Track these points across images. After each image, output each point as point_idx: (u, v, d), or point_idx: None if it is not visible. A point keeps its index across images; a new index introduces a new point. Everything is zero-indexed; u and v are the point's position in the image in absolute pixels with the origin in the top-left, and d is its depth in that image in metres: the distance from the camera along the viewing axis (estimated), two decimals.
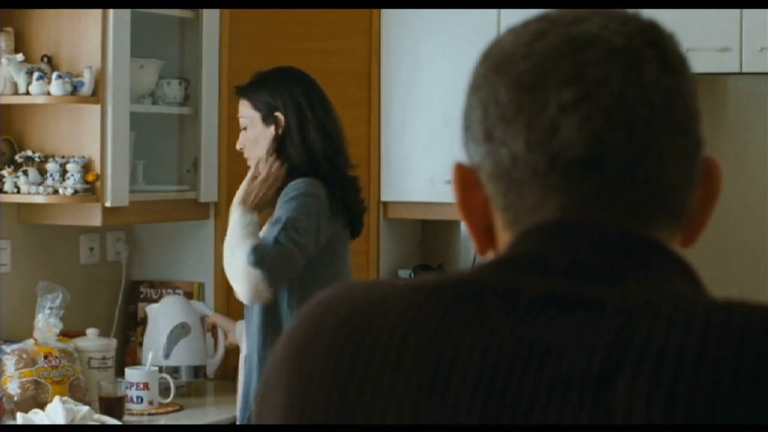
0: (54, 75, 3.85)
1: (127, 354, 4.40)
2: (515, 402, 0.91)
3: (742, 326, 0.91)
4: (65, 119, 3.96)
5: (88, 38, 3.92)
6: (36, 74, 3.86)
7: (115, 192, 3.92)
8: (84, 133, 3.93)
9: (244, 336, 3.57)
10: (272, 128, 3.54)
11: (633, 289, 0.95)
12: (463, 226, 5.08)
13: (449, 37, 4.47)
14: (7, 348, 3.81)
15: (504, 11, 4.31)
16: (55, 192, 3.87)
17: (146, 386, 3.93)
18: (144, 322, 4.40)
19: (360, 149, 4.53)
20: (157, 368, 3.98)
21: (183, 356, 4.04)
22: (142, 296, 4.46)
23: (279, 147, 3.53)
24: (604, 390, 0.90)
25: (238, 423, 3.66)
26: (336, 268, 3.49)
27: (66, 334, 3.94)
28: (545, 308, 0.94)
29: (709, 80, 4.34)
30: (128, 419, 3.82)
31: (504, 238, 1.03)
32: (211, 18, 4.31)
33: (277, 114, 3.54)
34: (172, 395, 3.99)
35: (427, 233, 4.94)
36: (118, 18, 3.92)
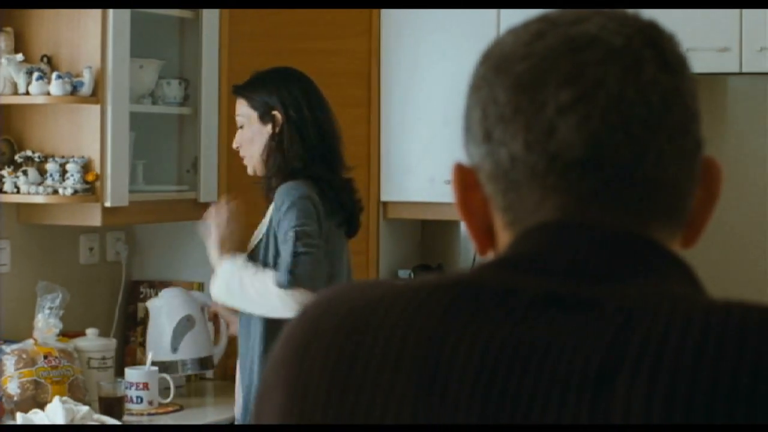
0: (54, 75, 3.85)
1: (127, 354, 4.40)
2: (514, 402, 0.91)
3: (741, 326, 0.91)
4: (65, 119, 3.96)
5: (87, 38, 3.92)
6: (36, 74, 3.86)
7: (114, 192, 3.92)
8: (84, 133, 3.93)
9: (240, 337, 3.58)
10: (269, 127, 3.55)
11: (632, 289, 0.95)
12: (463, 226, 5.08)
13: (449, 37, 4.47)
14: (7, 348, 3.81)
15: (504, 11, 4.31)
16: (55, 192, 3.87)
17: (146, 386, 3.93)
18: (144, 322, 4.39)
19: (360, 149, 4.53)
20: (156, 368, 3.98)
21: (190, 349, 4.01)
22: (141, 296, 4.46)
23: (275, 145, 3.53)
24: (603, 390, 0.90)
25: (237, 423, 3.66)
26: (333, 267, 3.49)
27: (66, 334, 3.94)
28: (544, 308, 0.94)
29: (709, 80, 4.34)
30: (128, 419, 3.82)
31: (504, 238, 1.03)
32: (210, 18, 4.31)
33: (274, 113, 3.54)
34: (171, 395, 3.99)
35: (427, 233, 4.94)
36: (118, 18, 3.92)
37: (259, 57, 4.11)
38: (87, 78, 3.86)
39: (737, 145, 4.48)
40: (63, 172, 3.89)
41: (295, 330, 1.04)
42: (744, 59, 4.16)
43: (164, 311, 4.03)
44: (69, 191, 3.86)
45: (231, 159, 4.12)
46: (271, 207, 3.50)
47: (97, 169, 3.90)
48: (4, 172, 3.93)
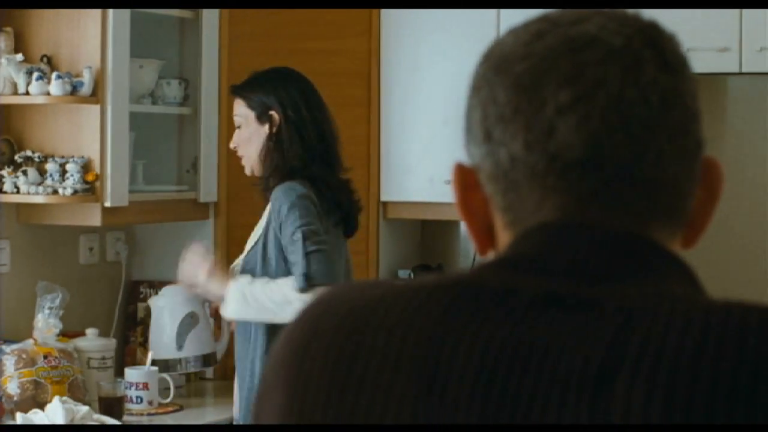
0: (53, 75, 3.85)
1: (127, 354, 4.40)
2: (514, 402, 0.91)
3: (741, 326, 0.91)
4: (65, 119, 3.96)
5: (87, 38, 3.92)
6: (36, 74, 3.86)
7: (114, 192, 3.92)
8: (83, 133, 3.93)
9: (239, 337, 3.57)
10: (266, 127, 3.55)
11: (632, 289, 0.95)
12: (463, 226, 5.07)
13: (449, 37, 4.47)
14: (7, 348, 3.81)
15: (504, 11, 4.31)
16: (55, 192, 3.87)
17: (146, 386, 3.93)
18: (144, 321, 4.39)
19: (360, 149, 4.53)
20: (156, 368, 3.97)
21: (194, 346, 3.99)
22: (141, 296, 4.46)
23: (273, 146, 3.53)
24: (603, 390, 0.90)
25: (235, 423, 3.66)
26: None
27: (65, 334, 3.94)
28: (544, 308, 0.94)
29: (709, 80, 4.34)
30: (128, 419, 3.82)
31: (504, 238, 1.03)
32: (210, 18, 4.31)
33: (272, 113, 3.55)
34: (171, 395, 3.98)
35: (427, 233, 4.94)
36: (118, 18, 3.92)
37: (258, 57, 4.11)
38: (87, 78, 3.86)
39: (737, 145, 4.48)
40: (63, 172, 3.89)
41: (295, 330, 1.04)
42: (744, 59, 4.16)
43: (167, 309, 3.99)
44: (69, 191, 3.86)
45: (231, 159, 4.12)
46: (268, 208, 3.50)
47: (97, 169, 3.90)
48: (4, 172, 3.93)
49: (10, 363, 3.76)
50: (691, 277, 0.99)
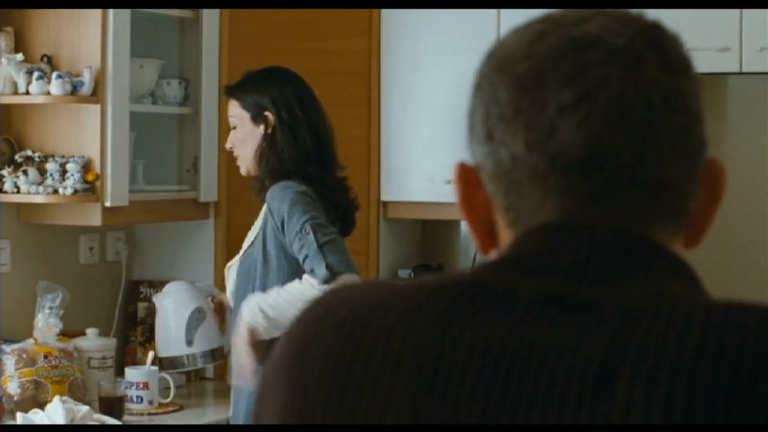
0: (54, 75, 3.85)
1: (127, 354, 4.40)
2: (515, 402, 0.91)
3: (741, 326, 0.91)
4: (65, 119, 3.96)
5: (88, 38, 3.92)
6: (36, 74, 3.86)
7: (114, 192, 3.92)
8: (84, 133, 3.93)
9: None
10: (261, 127, 3.55)
11: (632, 289, 0.95)
12: (464, 226, 5.08)
13: (449, 37, 4.47)
14: (7, 348, 3.81)
15: (504, 11, 4.31)
16: (55, 192, 3.87)
17: (146, 386, 3.93)
18: (144, 321, 4.40)
19: (360, 149, 4.53)
20: (156, 368, 3.97)
21: (204, 341, 3.96)
22: (142, 296, 4.46)
23: (268, 146, 3.53)
24: (603, 390, 0.90)
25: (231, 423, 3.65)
26: None
27: (66, 333, 3.93)
28: (545, 309, 0.94)
29: (709, 80, 4.34)
30: (128, 419, 3.82)
31: (506, 237, 1.03)
32: (211, 18, 4.31)
33: (267, 113, 3.54)
34: (172, 395, 3.98)
35: (427, 233, 4.94)
36: (118, 18, 3.92)
37: (259, 57, 4.11)
38: (87, 78, 3.86)
39: (737, 145, 4.48)
40: (63, 172, 3.89)
41: (296, 330, 1.04)
42: (744, 59, 4.16)
43: (173, 305, 3.95)
44: (69, 191, 3.86)
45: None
46: (264, 207, 3.49)
47: (97, 169, 3.90)
48: (4, 172, 3.93)
49: (10, 363, 3.76)
50: (692, 277, 0.99)
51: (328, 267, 3.29)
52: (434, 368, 0.94)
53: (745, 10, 4.13)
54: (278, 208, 3.41)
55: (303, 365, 1.00)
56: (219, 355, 3.97)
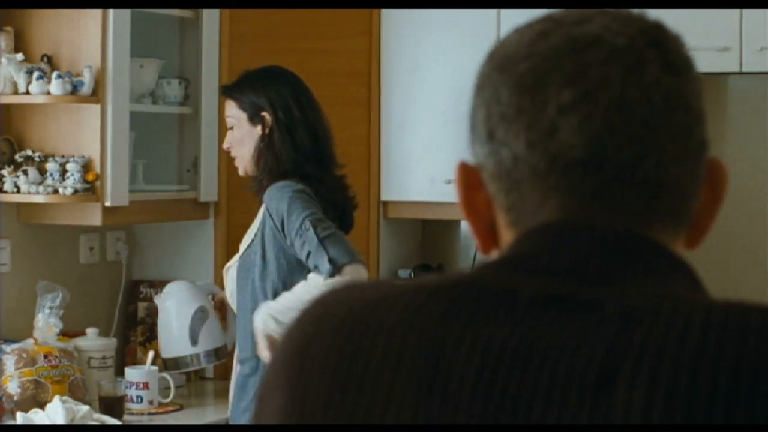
0: (54, 75, 3.85)
1: (127, 353, 4.40)
2: (515, 402, 0.91)
3: (741, 326, 0.91)
4: (65, 119, 3.96)
5: (88, 38, 3.92)
6: (36, 74, 3.86)
7: (115, 192, 3.92)
8: (84, 133, 3.93)
9: (239, 338, 3.57)
10: (259, 128, 3.55)
11: (633, 289, 0.95)
12: (464, 226, 5.08)
13: (449, 37, 4.47)
14: (7, 348, 3.81)
15: (504, 11, 4.31)
16: (55, 192, 3.87)
17: (146, 386, 3.93)
18: (144, 321, 4.40)
19: (360, 149, 4.53)
20: (156, 368, 3.97)
21: (208, 340, 3.95)
22: (142, 296, 4.46)
23: (265, 147, 3.53)
24: (604, 390, 0.90)
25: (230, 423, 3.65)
26: None
27: (66, 333, 3.94)
28: (545, 309, 0.94)
29: (709, 80, 4.34)
30: (128, 419, 3.82)
31: (507, 237, 1.03)
32: (211, 18, 4.31)
33: (264, 114, 3.54)
34: (172, 395, 3.98)
35: (427, 233, 4.94)
36: (118, 18, 3.92)
37: (259, 57, 4.11)
38: (87, 77, 3.86)
39: (737, 145, 4.48)
40: (63, 172, 3.89)
41: (296, 331, 1.04)
42: (744, 59, 4.16)
43: (175, 306, 3.95)
44: (69, 191, 3.86)
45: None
46: (263, 208, 3.49)
47: (98, 169, 3.90)
48: (5, 172, 3.93)
49: (10, 362, 3.76)
50: (693, 277, 0.99)
51: (331, 261, 3.29)
52: (434, 368, 0.94)
53: (745, 10, 4.13)
54: (277, 208, 3.40)
55: (303, 365, 1.00)
56: (223, 354, 3.96)
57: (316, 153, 3.54)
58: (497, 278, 0.98)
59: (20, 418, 3.58)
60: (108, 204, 3.91)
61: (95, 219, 3.95)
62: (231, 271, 3.60)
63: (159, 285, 4.39)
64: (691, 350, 0.90)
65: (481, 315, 0.95)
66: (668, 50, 1.01)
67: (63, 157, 3.92)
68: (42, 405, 3.66)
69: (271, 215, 3.43)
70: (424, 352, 0.95)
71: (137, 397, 3.92)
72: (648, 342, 0.91)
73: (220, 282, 4.22)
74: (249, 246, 3.52)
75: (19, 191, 3.91)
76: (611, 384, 0.90)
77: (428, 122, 4.50)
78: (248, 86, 3.59)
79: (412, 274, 4.67)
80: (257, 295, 3.49)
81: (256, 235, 3.50)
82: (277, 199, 3.41)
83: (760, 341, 0.90)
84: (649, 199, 0.99)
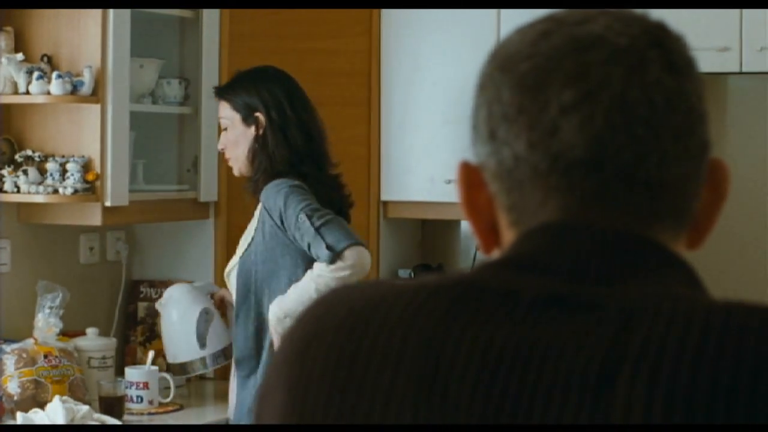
0: (54, 74, 3.85)
1: (127, 353, 4.40)
2: (515, 402, 0.91)
3: (742, 327, 0.91)
4: (65, 119, 3.96)
5: (88, 38, 3.92)
6: (36, 74, 3.86)
7: (114, 191, 3.92)
8: (84, 133, 3.93)
9: (239, 338, 3.56)
10: (252, 129, 3.55)
11: (633, 290, 0.95)
12: (464, 226, 5.08)
13: (449, 37, 4.47)
14: (7, 347, 3.81)
15: (504, 11, 4.31)
16: (55, 191, 3.87)
17: (146, 386, 3.93)
18: (144, 321, 4.40)
19: (360, 149, 4.53)
20: (156, 368, 3.97)
21: (215, 341, 3.93)
22: (142, 296, 4.46)
23: (259, 147, 3.53)
24: (604, 390, 0.90)
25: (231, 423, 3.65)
26: None
27: (66, 333, 3.93)
28: (546, 309, 0.94)
29: (709, 80, 4.34)
30: (128, 419, 3.82)
31: (508, 237, 1.03)
32: (211, 18, 4.31)
33: (257, 114, 3.54)
34: (172, 395, 3.98)
35: (427, 233, 4.94)
36: (118, 18, 3.92)
37: (259, 57, 4.11)
38: (87, 77, 3.86)
39: (737, 145, 4.48)
40: (63, 172, 3.89)
41: (296, 330, 1.04)
42: (744, 59, 4.16)
43: (179, 311, 3.93)
44: (69, 191, 3.86)
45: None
46: (259, 208, 3.49)
47: (98, 169, 3.90)
48: (5, 172, 3.93)
49: (10, 362, 3.76)
50: (693, 277, 0.99)
51: (328, 248, 3.29)
52: (435, 368, 0.94)
53: (745, 10, 4.13)
54: (274, 205, 3.41)
55: (304, 365, 1.00)
56: (230, 353, 3.95)
57: (310, 152, 3.53)
58: (498, 278, 0.98)
59: (20, 418, 3.58)
60: (108, 204, 3.91)
61: (95, 219, 3.95)
62: (232, 275, 3.59)
63: (159, 285, 4.39)
64: (691, 350, 0.90)
65: (482, 315, 0.95)
66: (670, 50, 1.01)
67: (63, 157, 3.92)
68: (42, 405, 3.65)
69: (270, 213, 3.43)
70: (424, 351, 0.95)
71: (137, 397, 3.92)
72: (648, 342, 0.91)
73: (220, 282, 4.23)
74: (247, 248, 3.52)
75: (19, 191, 3.91)
76: (611, 384, 0.90)
77: (428, 122, 4.50)
78: (241, 87, 3.58)
79: (412, 274, 4.67)
80: (259, 296, 3.49)
81: (254, 236, 3.50)
82: (274, 196, 3.41)
83: (760, 341, 0.90)
84: (650, 200, 0.99)
